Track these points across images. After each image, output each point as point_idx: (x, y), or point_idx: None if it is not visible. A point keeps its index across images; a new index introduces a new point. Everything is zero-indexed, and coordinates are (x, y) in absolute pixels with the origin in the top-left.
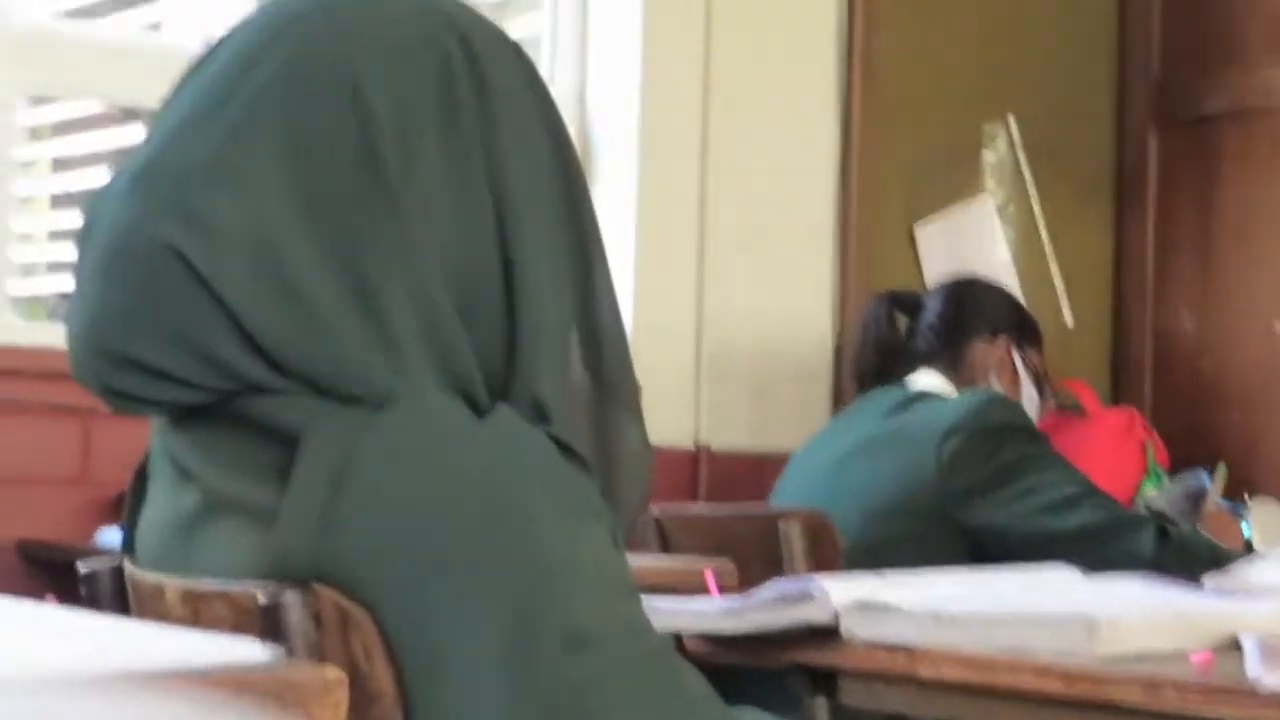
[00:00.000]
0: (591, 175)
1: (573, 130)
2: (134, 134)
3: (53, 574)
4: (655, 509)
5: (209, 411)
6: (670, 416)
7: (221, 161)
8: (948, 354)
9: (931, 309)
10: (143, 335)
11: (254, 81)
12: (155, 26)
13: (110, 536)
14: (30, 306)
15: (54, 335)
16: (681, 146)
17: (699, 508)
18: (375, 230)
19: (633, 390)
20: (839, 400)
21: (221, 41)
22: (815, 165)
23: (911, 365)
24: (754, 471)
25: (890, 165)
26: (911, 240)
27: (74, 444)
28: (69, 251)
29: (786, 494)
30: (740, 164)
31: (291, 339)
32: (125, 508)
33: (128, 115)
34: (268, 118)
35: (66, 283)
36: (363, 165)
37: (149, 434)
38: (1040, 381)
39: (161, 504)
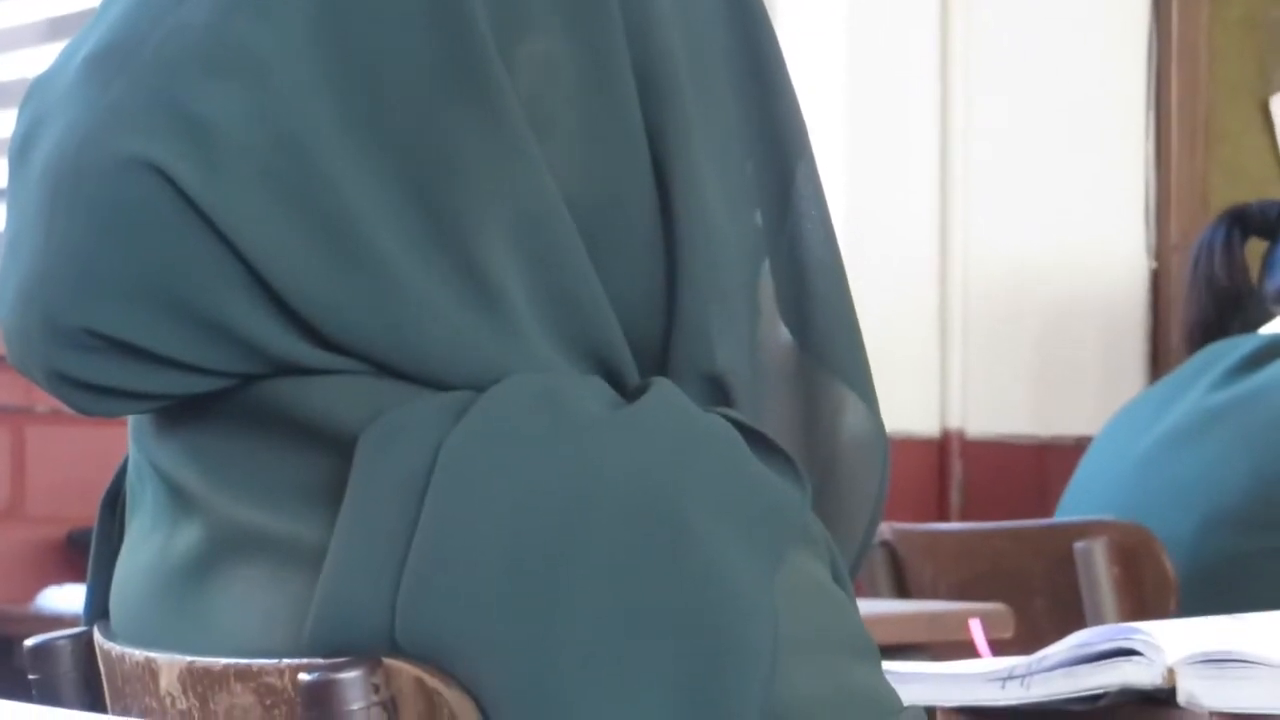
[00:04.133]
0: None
1: None
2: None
3: None
4: (886, 528)
5: (217, 405)
6: (906, 391)
7: (221, 36)
8: None
9: None
10: (112, 296)
11: None
12: None
13: (61, 597)
14: None
15: None
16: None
17: (952, 524)
18: (461, 140)
19: (855, 351)
20: (1158, 361)
21: None
22: (1115, 24)
23: (1266, 309)
24: (1031, 468)
25: (1230, 14)
26: (1267, 120)
27: (1, 462)
28: None
29: (1084, 499)
30: (1000, 23)
31: (340, 297)
32: (91, 554)
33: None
34: None
35: None
36: (440, 41)
37: (121, 443)
38: None
39: (147, 546)
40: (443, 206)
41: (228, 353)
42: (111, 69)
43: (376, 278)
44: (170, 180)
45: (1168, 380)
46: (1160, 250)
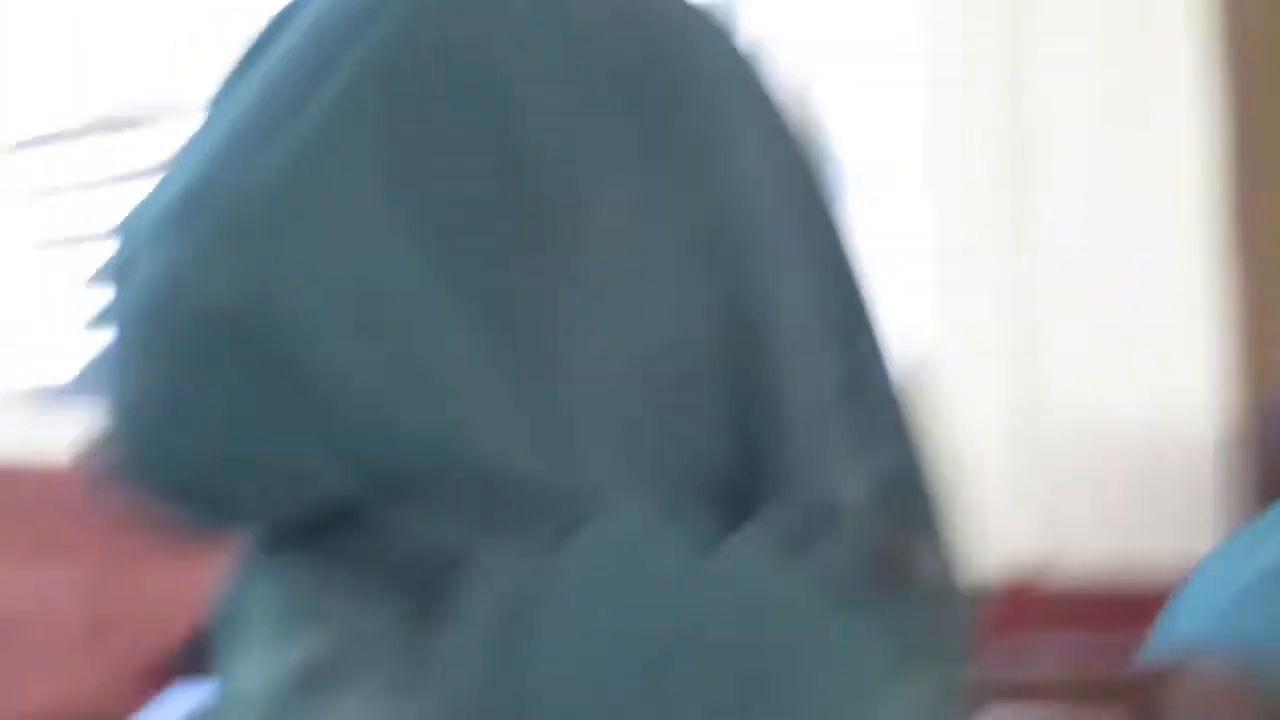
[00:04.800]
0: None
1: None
2: (136, 146)
3: None
4: None
5: (315, 533)
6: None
7: (300, 183)
8: None
9: None
10: (202, 437)
11: (343, 69)
12: None
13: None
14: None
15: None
16: (973, 139)
17: (1033, 665)
18: (532, 285)
19: (929, 498)
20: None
21: (289, 15)
22: (1182, 156)
23: None
24: (1110, 615)
25: None
26: None
27: (79, 589)
28: (73, 312)
29: (1174, 638)
30: (1070, 165)
31: (424, 436)
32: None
33: (123, 123)
34: (365, 120)
35: (61, 365)
36: (511, 195)
37: (206, 574)
38: None
39: (253, 665)
40: (520, 345)
41: (316, 489)
42: (192, 218)
43: (460, 416)
44: (253, 330)
45: (1255, 526)
46: (1237, 417)
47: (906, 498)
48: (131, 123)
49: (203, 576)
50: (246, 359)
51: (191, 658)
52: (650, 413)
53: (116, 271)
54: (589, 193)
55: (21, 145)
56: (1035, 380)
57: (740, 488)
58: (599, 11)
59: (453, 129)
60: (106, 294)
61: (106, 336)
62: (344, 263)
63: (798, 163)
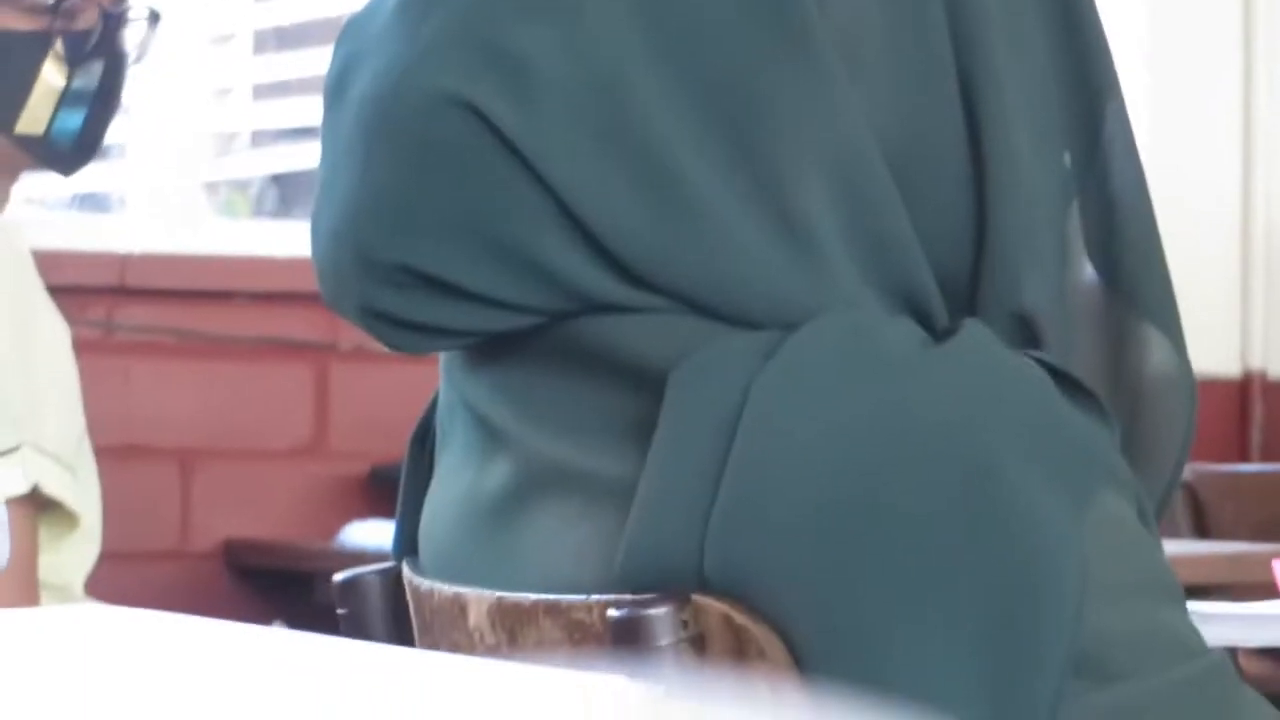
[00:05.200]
0: None
1: None
2: None
3: (274, 589)
4: (1187, 469)
5: (528, 342)
6: (1208, 332)
7: None
8: None
9: None
10: (427, 233)
11: None
12: None
13: (363, 532)
14: (230, 199)
15: (267, 240)
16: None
17: (1253, 465)
18: (774, 81)
19: (1163, 291)
20: None
21: None
22: None
23: None
24: None
25: None
26: None
27: (304, 398)
28: (298, 113)
29: None
30: None
31: (653, 235)
32: (400, 489)
33: None
34: None
35: (285, 160)
36: (749, 9)
37: (422, 380)
38: None
39: (457, 482)
40: (755, 144)
41: (540, 290)
42: (424, 7)
43: (689, 215)
44: (485, 118)
45: None
46: None
47: (1140, 289)
48: None
49: (399, 402)
50: (480, 153)
51: (378, 486)
52: (884, 208)
53: (343, 67)
54: None
55: None
56: (1262, 163)
57: (964, 290)
58: None
59: None
60: (333, 93)
61: (332, 135)
62: (584, 62)
63: None
